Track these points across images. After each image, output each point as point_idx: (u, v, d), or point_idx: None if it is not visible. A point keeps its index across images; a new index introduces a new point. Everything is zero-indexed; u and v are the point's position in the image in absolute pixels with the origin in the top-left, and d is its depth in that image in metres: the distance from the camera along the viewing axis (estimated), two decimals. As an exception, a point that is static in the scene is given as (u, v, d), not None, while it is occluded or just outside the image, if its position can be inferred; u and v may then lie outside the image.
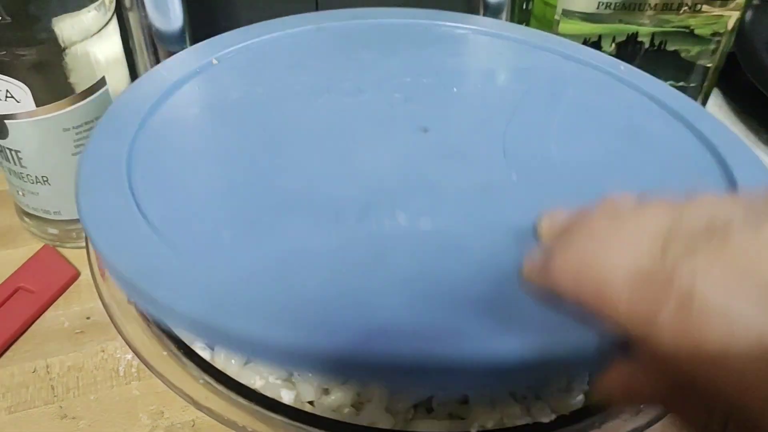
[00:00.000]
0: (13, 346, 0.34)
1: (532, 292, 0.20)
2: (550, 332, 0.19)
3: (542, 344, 0.18)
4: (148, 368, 0.23)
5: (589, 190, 0.25)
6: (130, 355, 0.33)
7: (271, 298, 0.20)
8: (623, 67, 0.33)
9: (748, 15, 0.50)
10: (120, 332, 0.24)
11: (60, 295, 0.36)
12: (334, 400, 0.25)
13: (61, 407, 0.32)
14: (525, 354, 0.18)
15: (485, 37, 0.36)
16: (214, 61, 0.32)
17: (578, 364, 0.20)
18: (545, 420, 0.23)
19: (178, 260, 0.21)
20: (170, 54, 0.34)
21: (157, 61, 0.38)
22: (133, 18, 0.37)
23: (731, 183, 0.27)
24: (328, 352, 0.18)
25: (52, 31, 0.32)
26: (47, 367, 0.33)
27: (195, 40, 0.36)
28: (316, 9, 0.41)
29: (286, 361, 0.20)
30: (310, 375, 0.25)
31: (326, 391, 0.25)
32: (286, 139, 0.28)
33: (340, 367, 0.19)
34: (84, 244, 0.37)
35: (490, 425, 0.23)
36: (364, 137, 0.28)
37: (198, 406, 0.23)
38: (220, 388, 0.23)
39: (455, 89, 0.32)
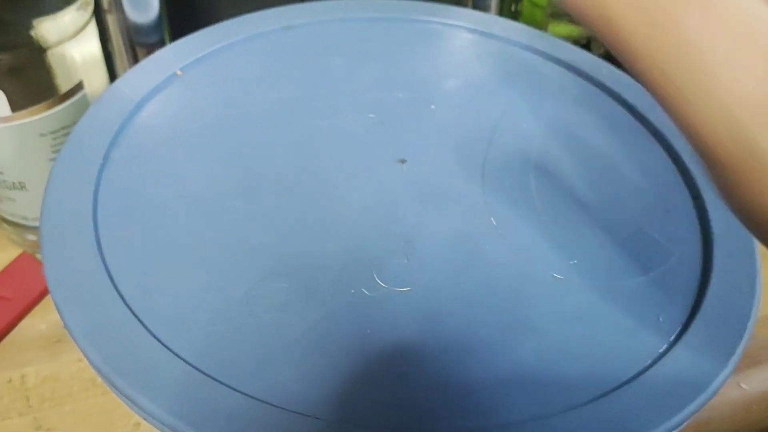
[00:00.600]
0: (-12, 356, 0.33)
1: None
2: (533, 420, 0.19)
3: None
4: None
5: (566, 238, 0.24)
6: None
7: (247, 409, 0.19)
8: (605, 70, 0.33)
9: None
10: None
11: (37, 303, 0.35)
12: None
13: (35, 418, 0.31)
14: None
15: (464, 35, 0.35)
16: (179, 73, 0.31)
17: None
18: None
19: (148, 349, 0.21)
20: (149, 52, 0.33)
21: (136, 62, 0.38)
22: (111, 20, 0.36)
23: (704, 221, 0.26)
24: None
25: (28, 35, 0.31)
26: (23, 377, 0.32)
27: (173, 32, 0.35)
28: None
29: None
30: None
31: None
32: (258, 178, 0.27)
33: None
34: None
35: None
36: (339, 173, 0.27)
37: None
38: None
39: (432, 106, 0.31)
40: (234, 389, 0.20)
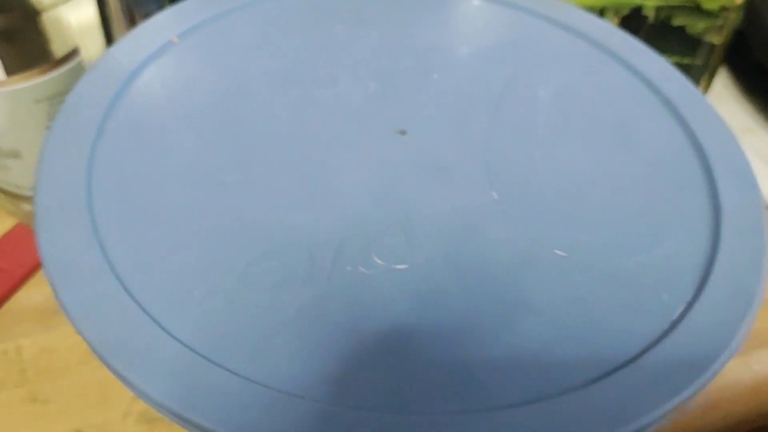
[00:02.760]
0: (-16, 327, 0.33)
1: None
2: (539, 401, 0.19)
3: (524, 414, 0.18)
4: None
5: (570, 214, 0.24)
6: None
7: (241, 389, 0.19)
8: (616, 37, 0.31)
9: (758, -9, 0.48)
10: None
11: (33, 274, 0.35)
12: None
13: (31, 390, 0.30)
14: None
15: (469, 2, 0.34)
16: (175, 40, 0.30)
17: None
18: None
19: (140, 326, 0.20)
20: (146, 17, 0.31)
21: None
22: (108, -17, 0.35)
23: (714, 198, 0.25)
24: None
25: (21, -4, 0.30)
26: (18, 348, 0.32)
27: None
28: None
29: None
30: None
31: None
32: (256, 151, 0.26)
33: None
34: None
35: None
36: (338, 144, 0.26)
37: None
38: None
39: (435, 75, 0.30)
40: (227, 369, 0.19)
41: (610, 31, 0.32)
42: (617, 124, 0.28)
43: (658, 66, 0.31)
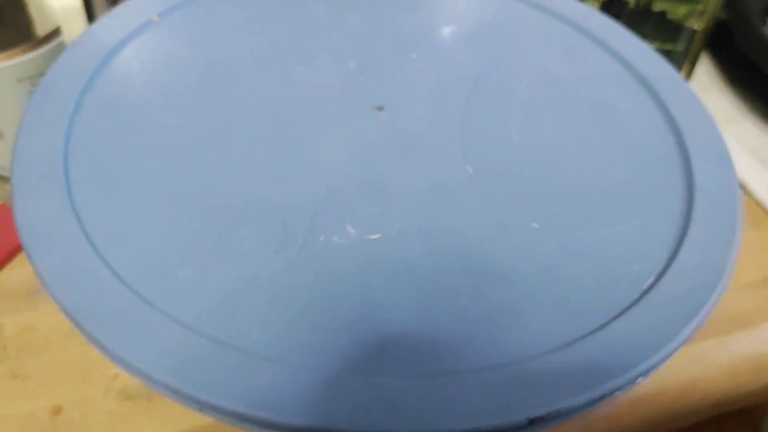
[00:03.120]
0: (-34, 305, 0.33)
1: None
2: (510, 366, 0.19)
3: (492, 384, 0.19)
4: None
5: (545, 188, 0.24)
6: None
7: (214, 353, 0.19)
8: (595, 19, 0.32)
9: (741, -20, 0.49)
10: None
11: (16, 254, 0.35)
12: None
13: (12, 367, 0.30)
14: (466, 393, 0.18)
15: None
16: (155, 18, 0.30)
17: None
18: None
19: (116, 294, 0.20)
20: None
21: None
22: (91, -36, 0.35)
23: (688, 174, 0.26)
24: (256, 413, 0.18)
25: (3, -25, 0.30)
26: (0, 326, 0.32)
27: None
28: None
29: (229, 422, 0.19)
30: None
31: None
32: (233, 126, 0.26)
33: (288, 430, 0.18)
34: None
35: None
36: (315, 120, 0.26)
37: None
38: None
39: (414, 55, 0.30)
40: (199, 333, 0.20)
41: (588, 14, 0.32)
42: (595, 104, 0.28)
43: (637, 48, 0.31)
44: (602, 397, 0.19)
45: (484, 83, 0.29)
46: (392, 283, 0.21)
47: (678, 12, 0.40)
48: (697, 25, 0.41)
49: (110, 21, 0.29)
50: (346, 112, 0.27)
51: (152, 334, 0.19)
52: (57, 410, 0.29)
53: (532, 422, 0.18)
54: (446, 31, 0.32)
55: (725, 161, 0.26)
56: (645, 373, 0.20)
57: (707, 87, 0.51)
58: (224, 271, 0.21)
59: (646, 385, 0.27)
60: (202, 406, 0.19)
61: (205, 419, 0.29)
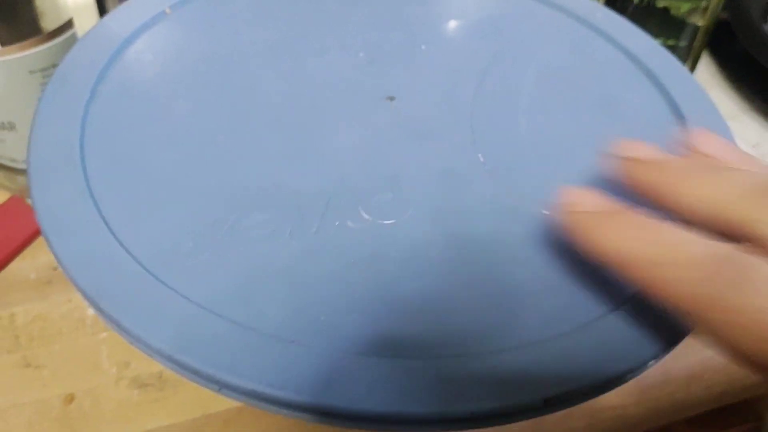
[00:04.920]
0: (-23, 296, 0.33)
1: (569, 230, 0.20)
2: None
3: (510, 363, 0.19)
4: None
5: (555, 176, 0.24)
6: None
7: (232, 333, 0.19)
8: (600, 14, 0.32)
9: (743, -22, 0.49)
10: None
11: (27, 245, 0.35)
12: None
13: (24, 356, 0.31)
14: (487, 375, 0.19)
15: None
16: (168, 11, 0.30)
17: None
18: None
19: (134, 276, 0.20)
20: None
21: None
22: (103, -43, 0.36)
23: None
24: (275, 392, 0.18)
25: (16, -32, 0.30)
26: (12, 316, 0.32)
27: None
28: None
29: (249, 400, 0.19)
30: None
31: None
32: (247, 115, 0.26)
33: (305, 409, 0.18)
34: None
35: None
36: (326, 109, 0.27)
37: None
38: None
39: (423, 47, 0.30)
40: (219, 314, 0.20)
41: (593, 7, 0.33)
42: (601, 94, 0.29)
43: (642, 41, 0.32)
44: (615, 379, 0.19)
45: (492, 74, 0.29)
46: (406, 267, 0.22)
47: (681, 8, 0.41)
48: (700, 21, 0.41)
49: (123, 12, 0.30)
50: (358, 102, 0.27)
51: (171, 314, 0.20)
52: (70, 399, 0.29)
53: (547, 402, 0.19)
54: (455, 23, 0.32)
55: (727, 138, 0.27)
56: (657, 356, 0.20)
57: (708, 84, 0.52)
58: (240, 254, 0.21)
59: (652, 375, 0.27)
60: (221, 386, 0.19)
61: (216, 407, 0.30)
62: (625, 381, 0.20)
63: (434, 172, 0.25)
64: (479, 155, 0.25)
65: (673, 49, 0.42)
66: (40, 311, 0.32)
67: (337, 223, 0.23)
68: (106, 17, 0.30)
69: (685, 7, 0.40)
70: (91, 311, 0.33)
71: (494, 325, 0.20)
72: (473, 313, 0.21)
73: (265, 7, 0.32)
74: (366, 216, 0.23)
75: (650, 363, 0.20)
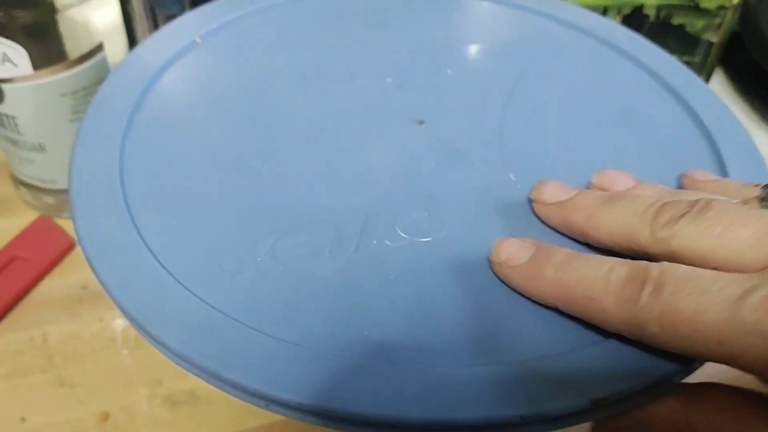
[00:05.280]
0: (10, 315, 0.33)
1: (508, 283, 0.22)
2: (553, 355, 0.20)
3: (543, 368, 0.20)
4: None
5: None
6: (127, 324, 0.33)
7: (276, 345, 0.20)
8: (620, 33, 0.33)
9: (753, -7, 0.50)
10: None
11: (56, 264, 0.36)
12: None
13: (59, 375, 0.31)
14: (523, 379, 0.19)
15: (478, 4, 0.35)
16: (198, 41, 0.31)
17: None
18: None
19: (175, 294, 0.21)
20: (169, 19, 0.33)
21: (156, 28, 0.38)
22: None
23: (722, 174, 0.27)
24: (324, 405, 0.19)
25: (47, -6, 0.31)
26: (44, 335, 0.33)
27: (193, 2, 0.35)
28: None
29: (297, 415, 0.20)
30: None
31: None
32: (279, 138, 0.27)
33: (340, 419, 0.19)
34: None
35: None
36: (358, 133, 0.27)
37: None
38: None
39: (449, 71, 0.31)
40: (261, 332, 0.20)
41: (612, 28, 0.33)
42: (624, 111, 0.29)
43: (661, 58, 0.32)
44: (663, 381, 0.20)
45: (518, 95, 0.30)
46: (445, 281, 0.22)
47: (696, 25, 0.41)
48: (714, 37, 0.42)
49: (155, 43, 0.30)
50: (388, 126, 0.28)
51: (217, 335, 0.20)
52: (105, 417, 0.30)
53: (595, 404, 0.19)
54: (479, 47, 0.33)
55: (757, 161, 0.27)
56: (701, 360, 0.20)
57: (719, 96, 0.52)
58: (282, 274, 0.22)
59: None
60: (268, 402, 0.19)
61: (248, 423, 0.30)
62: (673, 383, 0.20)
63: (467, 191, 0.25)
64: (510, 174, 0.26)
65: (687, 64, 0.43)
66: (72, 330, 0.33)
67: (375, 242, 0.23)
68: (139, 47, 0.30)
69: (699, 24, 0.41)
70: (121, 330, 0.33)
71: (536, 332, 0.21)
72: (514, 323, 0.21)
73: (291, 33, 0.32)
74: (403, 235, 0.23)
75: (695, 365, 0.21)
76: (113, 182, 0.24)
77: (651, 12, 0.41)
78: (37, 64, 0.32)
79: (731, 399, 0.19)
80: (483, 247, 0.23)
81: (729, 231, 0.19)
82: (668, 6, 0.41)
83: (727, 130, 0.28)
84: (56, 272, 0.36)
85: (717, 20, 0.41)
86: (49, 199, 0.37)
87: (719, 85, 0.53)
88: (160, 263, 0.22)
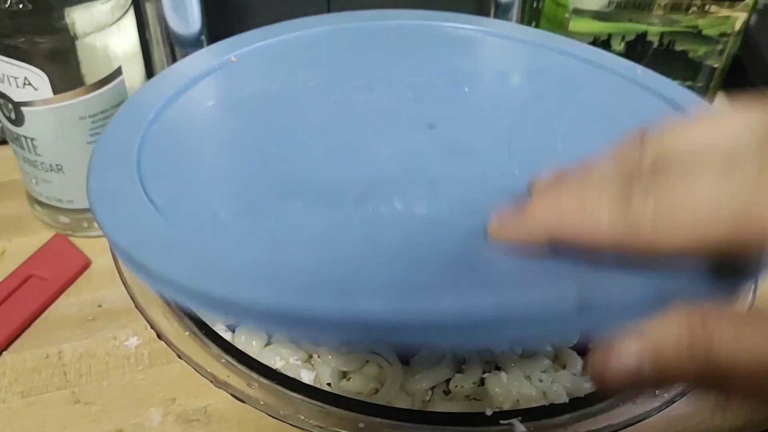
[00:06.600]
0: (26, 333, 0.34)
1: (505, 241, 0.21)
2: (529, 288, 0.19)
3: (520, 299, 0.19)
4: (170, 347, 0.24)
5: None
6: (141, 342, 0.34)
7: (259, 266, 0.20)
8: (640, 71, 0.33)
9: (754, 19, 0.51)
10: (142, 313, 0.24)
11: (72, 283, 0.36)
12: (352, 386, 0.25)
13: (74, 392, 0.32)
14: (502, 307, 0.19)
15: (500, 40, 0.37)
16: (233, 59, 0.33)
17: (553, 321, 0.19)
18: (560, 402, 0.24)
19: (172, 233, 0.22)
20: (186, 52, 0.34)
21: (173, 54, 0.39)
22: (150, 10, 0.37)
23: None
24: (309, 312, 0.19)
25: (66, 22, 0.32)
26: (59, 353, 0.33)
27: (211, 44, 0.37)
28: (328, 11, 0.41)
29: (270, 324, 0.20)
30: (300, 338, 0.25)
31: (344, 375, 0.25)
32: (293, 131, 0.28)
33: (323, 327, 0.19)
34: (96, 233, 0.38)
35: (506, 407, 0.24)
36: (369, 130, 0.28)
37: (219, 383, 0.23)
38: (241, 367, 0.23)
39: (466, 89, 0.32)
40: (248, 269, 0.21)
41: (632, 66, 0.34)
42: (636, 127, 0.30)
43: (680, 91, 0.33)
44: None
45: (532, 110, 0.30)
46: (430, 255, 0.22)
47: (699, 51, 0.42)
48: (716, 63, 0.43)
49: (192, 60, 0.33)
50: (400, 128, 0.29)
51: (193, 261, 0.21)
52: (119, 434, 0.30)
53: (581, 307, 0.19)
54: (497, 73, 0.34)
55: None
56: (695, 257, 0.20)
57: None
58: (276, 224, 0.23)
59: (678, 407, 0.27)
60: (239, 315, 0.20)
61: (260, 442, 0.31)
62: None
63: (470, 178, 0.25)
64: (515, 169, 0.26)
65: (690, 89, 0.44)
66: (86, 348, 0.33)
67: (370, 208, 0.23)
68: (178, 62, 0.32)
69: (702, 51, 0.42)
70: (134, 348, 0.34)
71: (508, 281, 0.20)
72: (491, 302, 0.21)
73: (321, 56, 0.34)
74: (399, 206, 0.24)
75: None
76: (130, 153, 0.26)
77: (654, 38, 0.42)
78: (57, 88, 0.33)
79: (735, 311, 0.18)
80: (477, 228, 0.22)
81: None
82: (671, 33, 0.41)
83: None
84: (71, 290, 0.36)
85: (719, 47, 0.42)
86: (65, 219, 0.38)
87: (720, 107, 0.54)
88: (158, 210, 0.23)
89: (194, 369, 0.23)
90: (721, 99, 0.55)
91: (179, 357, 0.24)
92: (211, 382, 0.23)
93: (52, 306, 0.35)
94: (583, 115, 0.30)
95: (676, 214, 0.17)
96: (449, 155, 0.27)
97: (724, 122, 0.19)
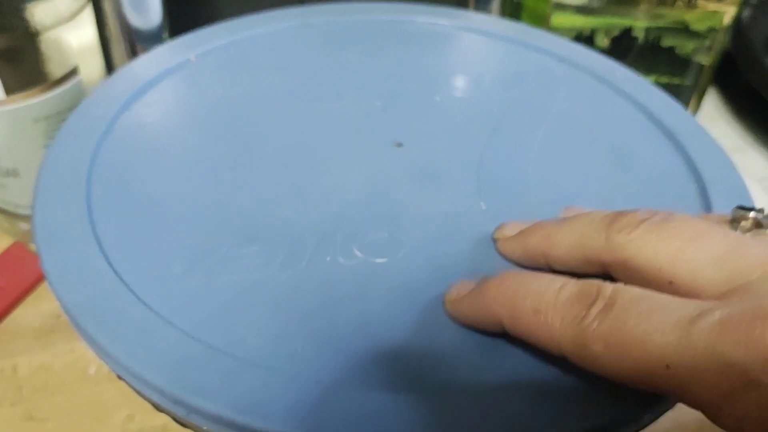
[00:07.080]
0: (-21, 345, 0.33)
1: (459, 317, 0.20)
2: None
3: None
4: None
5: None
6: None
7: (208, 349, 0.19)
8: (620, 73, 0.32)
9: (746, 14, 0.49)
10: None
11: (30, 292, 0.35)
12: None
13: (27, 408, 0.30)
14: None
15: (476, 36, 0.35)
16: (193, 59, 0.31)
17: None
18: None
19: (119, 292, 0.21)
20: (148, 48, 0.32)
21: (134, 52, 0.37)
22: (108, 6, 0.36)
23: (707, 212, 0.26)
24: (240, 418, 0.18)
25: (22, 17, 0.30)
26: (14, 367, 0.32)
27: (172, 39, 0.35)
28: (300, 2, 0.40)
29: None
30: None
31: None
32: (255, 151, 0.27)
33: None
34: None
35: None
36: (335, 151, 0.27)
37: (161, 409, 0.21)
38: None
39: (437, 98, 0.30)
40: (196, 339, 0.20)
41: (612, 67, 0.32)
42: (615, 148, 0.28)
43: (660, 99, 0.31)
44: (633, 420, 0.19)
45: (505, 124, 0.29)
46: (393, 306, 0.21)
47: (686, 47, 0.41)
48: (705, 60, 0.41)
49: (150, 59, 0.31)
50: (367, 147, 0.27)
51: (146, 335, 0.19)
52: (73, 453, 0.29)
53: None
54: (471, 77, 0.32)
55: (745, 200, 0.26)
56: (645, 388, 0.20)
57: (713, 117, 0.52)
58: (227, 282, 0.21)
59: (664, 422, 0.26)
60: (189, 411, 0.18)
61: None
62: (644, 424, 0.19)
63: (433, 216, 0.24)
64: (482, 203, 0.25)
65: (678, 87, 0.42)
66: (43, 361, 0.32)
67: (328, 259, 0.22)
68: (133, 62, 0.30)
69: (690, 47, 0.40)
70: (92, 362, 0.32)
71: (475, 364, 0.20)
72: (454, 354, 0.20)
73: (286, 57, 0.32)
74: (358, 253, 0.23)
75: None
76: (79, 181, 0.24)
77: (640, 34, 0.40)
78: (10, 89, 0.31)
79: None
80: (437, 275, 0.22)
81: (691, 244, 0.18)
82: (657, 28, 0.40)
83: (720, 176, 0.27)
84: (30, 300, 0.35)
85: (707, 42, 0.40)
86: (24, 225, 0.36)
87: (713, 106, 0.53)
88: (107, 260, 0.22)
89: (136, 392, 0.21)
90: (712, 95, 0.53)
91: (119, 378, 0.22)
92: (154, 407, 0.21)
93: (8, 317, 0.34)
94: (556, 131, 0.29)
95: (626, 345, 0.16)
96: (413, 183, 0.26)
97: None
